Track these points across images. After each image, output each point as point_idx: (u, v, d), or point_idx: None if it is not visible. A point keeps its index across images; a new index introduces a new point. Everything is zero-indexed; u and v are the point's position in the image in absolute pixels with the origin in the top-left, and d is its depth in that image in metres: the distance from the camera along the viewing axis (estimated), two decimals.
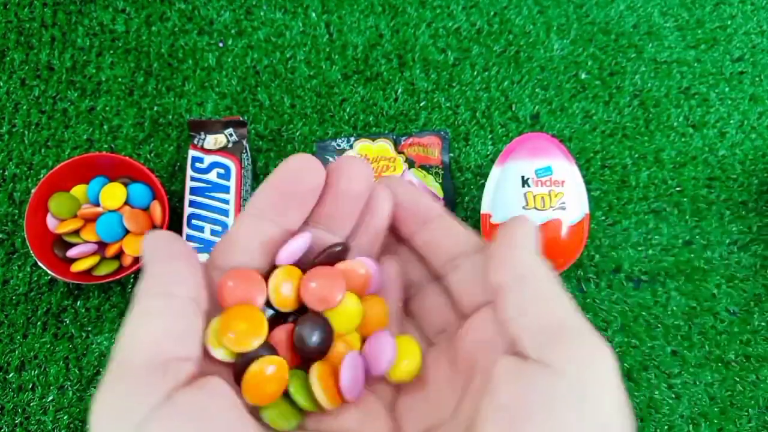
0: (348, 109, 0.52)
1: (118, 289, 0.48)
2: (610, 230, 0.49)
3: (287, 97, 0.52)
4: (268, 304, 0.19)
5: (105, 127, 0.51)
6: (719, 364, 0.46)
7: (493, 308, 0.19)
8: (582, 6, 0.54)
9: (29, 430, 0.46)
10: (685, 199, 0.50)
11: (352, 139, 0.51)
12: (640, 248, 0.48)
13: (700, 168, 0.50)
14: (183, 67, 0.53)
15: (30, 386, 0.46)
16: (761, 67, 0.52)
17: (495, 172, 0.46)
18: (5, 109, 0.52)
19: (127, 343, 0.15)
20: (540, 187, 0.44)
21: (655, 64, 0.53)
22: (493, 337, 0.18)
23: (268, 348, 0.18)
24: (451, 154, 0.51)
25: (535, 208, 0.44)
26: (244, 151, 0.48)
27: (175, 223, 0.48)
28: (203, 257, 0.46)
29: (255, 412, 0.17)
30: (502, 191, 0.45)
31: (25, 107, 0.52)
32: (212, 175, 0.48)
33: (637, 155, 0.51)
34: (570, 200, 0.44)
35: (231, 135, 0.49)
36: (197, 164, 0.48)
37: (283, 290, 0.19)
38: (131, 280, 0.48)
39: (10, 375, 0.46)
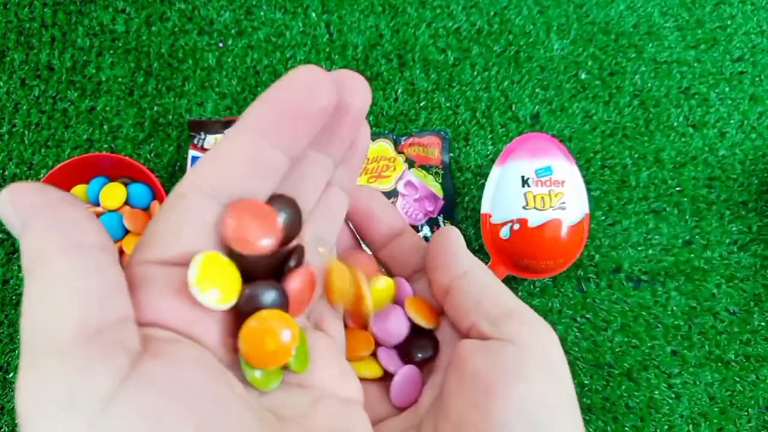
0: None
1: None
2: (610, 230, 0.49)
3: None
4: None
5: (105, 127, 0.51)
6: (719, 364, 0.46)
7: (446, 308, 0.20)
8: (582, 6, 0.54)
9: None
10: (685, 199, 0.50)
11: None
12: (640, 248, 0.48)
13: (700, 168, 0.50)
14: (183, 67, 0.53)
15: None
16: (761, 67, 0.52)
17: (495, 172, 0.46)
18: (5, 109, 0.52)
19: (40, 319, 0.12)
20: (540, 187, 0.44)
21: (655, 64, 0.53)
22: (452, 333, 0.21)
23: (278, 292, 0.15)
24: (451, 154, 0.51)
25: (535, 208, 0.44)
26: None
27: None
28: None
29: (233, 362, 0.15)
30: (502, 191, 0.45)
31: (25, 107, 0.52)
32: None
33: (637, 155, 0.51)
34: (570, 200, 0.44)
35: None
36: None
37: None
38: None
39: (10, 375, 0.46)
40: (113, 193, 0.46)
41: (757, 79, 0.52)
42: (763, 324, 0.47)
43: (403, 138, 0.50)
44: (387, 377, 0.20)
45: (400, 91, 0.52)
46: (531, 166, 0.45)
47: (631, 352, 0.46)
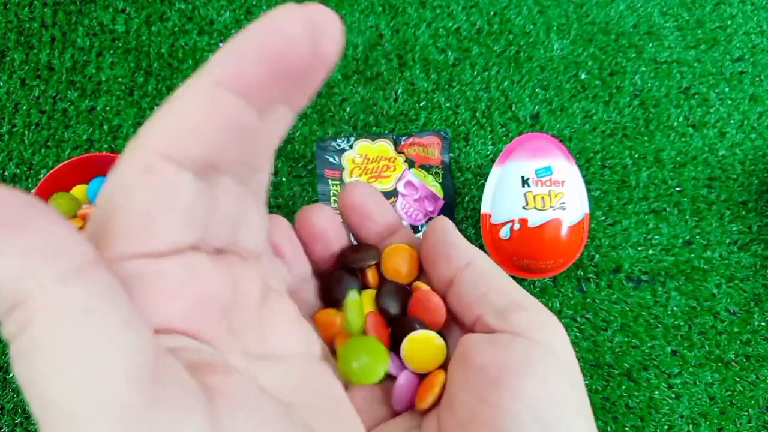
0: (348, 109, 0.52)
1: None
2: (610, 230, 0.49)
3: None
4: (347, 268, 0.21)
5: (105, 127, 0.51)
6: (719, 364, 0.46)
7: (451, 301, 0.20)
8: (582, 6, 0.54)
9: (29, 430, 0.46)
10: (685, 199, 0.50)
11: (352, 138, 0.51)
12: (640, 248, 0.48)
13: (700, 168, 0.50)
14: (183, 67, 0.53)
15: None
16: (761, 67, 0.52)
17: (495, 172, 0.46)
18: (5, 109, 0.52)
19: (67, 384, 0.09)
20: (540, 187, 0.44)
21: (655, 64, 0.53)
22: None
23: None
24: (451, 154, 0.51)
25: (535, 208, 0.44)
26: None
27: None
28: None
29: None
30: (502, 191, 0.45)
31: (25, 107, 0.52)
32: None
33: (637, 155, 0.51)
34: (570, 200, 0.44)
35: None
36: None
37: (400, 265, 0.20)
38: None
39: (10, 375, 0.46)
40: None
41: (757, 79, 0.52)
42: (763, 324, 0.47)
43: (403, 138, 0.50)
44: (385, 379, 0.20)
45: (400, 91, 0.52)
46: (531, 166, 0.45)
47: (631, 352, 0.46)
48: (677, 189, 0.50)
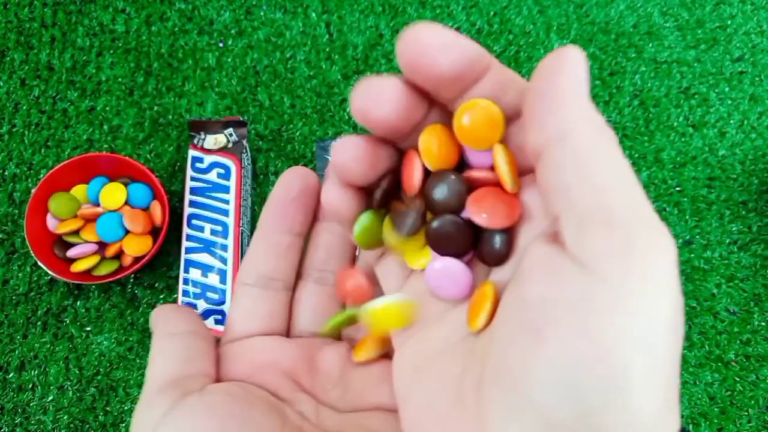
0: (348, 109, 0.52)
1: (118, 289, 0.48)
2: None
3: (287, 97, 0.52)
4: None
5: (105, 127, 0.51)
6: (719, 364, 0.46)
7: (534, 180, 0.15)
8: (582, 6, 0.54)
9: (29, 430, 0.46)
10: (685, 199, 0.50)
11: None
12: None
13: (700, 168, 0.50)
14: (183, 67, 0.53)
15: (30, 386, 0.46)
16: (761, 67, 0.52)
17: None
18: (5, 109, 0.52)
19: (146, 377, 0.18)
20: None
21: (655, 64, 0.53)
22: (537, 216, 0.15)
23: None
24: None
25: None
26: (244, 151, 0.48)
27: (175, 223, 0.48)
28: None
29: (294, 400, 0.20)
30: None
31: (25, 107, 0.52)
32: (212, 175, 0.48)
33: (637, 155, 0.51)
34: None
35: (231, 135, 0.49)
36: (197, 164, 0.48)
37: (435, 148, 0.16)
38: (131, 280, 0.48)
39: (10, 375, 0.46)
40: (113, 193, 0.46)
41: (757, 79, 0.52)
42: (763, 324, 0.47)
43: None
44: (388, 356, 0.20)
45: None
46: None
47: None
48: (677, 189, 0.50)
